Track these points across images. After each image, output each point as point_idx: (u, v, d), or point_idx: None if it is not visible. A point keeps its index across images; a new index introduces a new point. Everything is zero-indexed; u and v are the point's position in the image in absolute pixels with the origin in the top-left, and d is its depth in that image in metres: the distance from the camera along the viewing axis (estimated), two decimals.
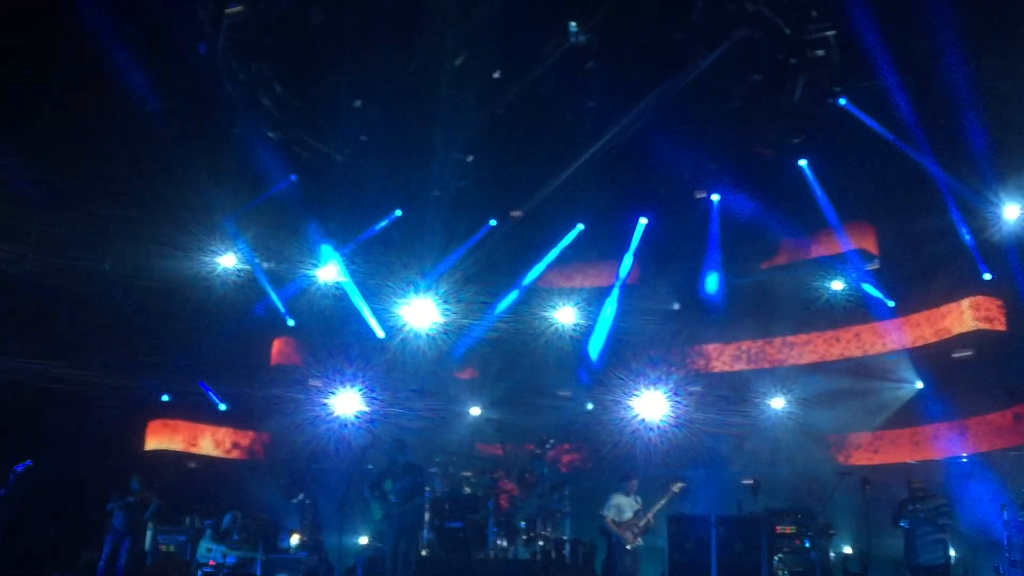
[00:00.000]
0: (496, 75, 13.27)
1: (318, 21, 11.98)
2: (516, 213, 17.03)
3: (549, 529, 13.55)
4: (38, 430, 13.96)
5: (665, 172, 14.96)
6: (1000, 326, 15.14)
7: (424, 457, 14.78)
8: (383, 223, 16.86)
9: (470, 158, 14.97)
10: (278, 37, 12.38)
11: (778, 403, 16.28)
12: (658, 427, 15.43)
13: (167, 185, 14.12)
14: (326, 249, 16.46)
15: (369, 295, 17.16)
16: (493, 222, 17.12)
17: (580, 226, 17.23)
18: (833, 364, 16.67)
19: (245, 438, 18.14)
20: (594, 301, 17.50)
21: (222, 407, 17.55)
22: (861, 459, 16.15)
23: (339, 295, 16.93)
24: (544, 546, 13.22)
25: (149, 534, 13.67)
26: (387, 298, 17.10)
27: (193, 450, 17.61)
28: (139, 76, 12.63)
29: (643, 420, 15.58)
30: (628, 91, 13.27)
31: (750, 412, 16.08)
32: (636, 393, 15.75)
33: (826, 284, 16.23)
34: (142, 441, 17.12)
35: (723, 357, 17.74)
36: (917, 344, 15.95)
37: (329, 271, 16.73)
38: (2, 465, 11.74)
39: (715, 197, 16.20)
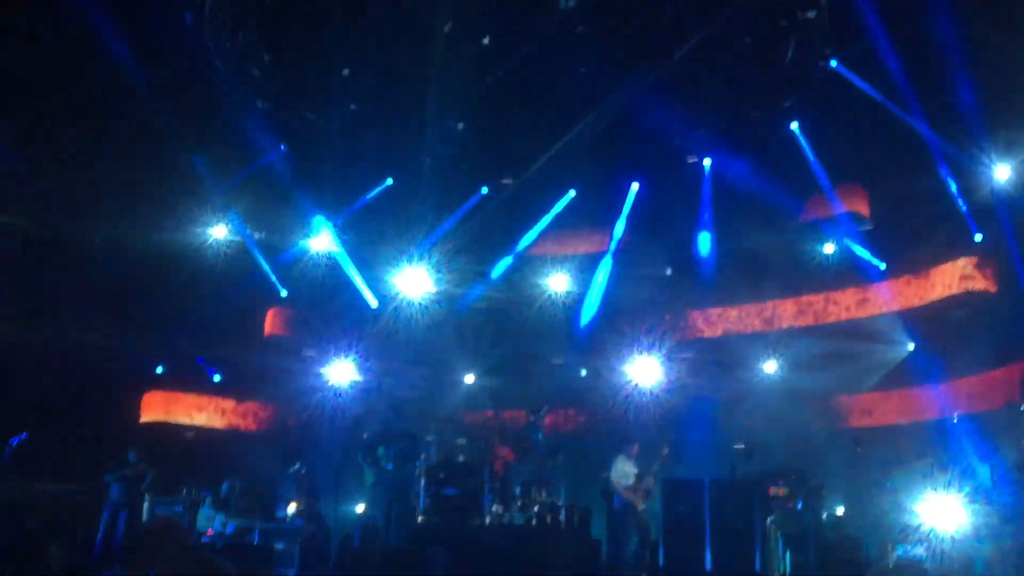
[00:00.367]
0: (486, 41, 13.18)
1: None
2: (507, 181, 17.01)
3: (544, 494, 13.63)
4: (31, 402, 13.97)
5: (657, 137, 14.91)
6: (991, 286, 15.20)
7: (419, 425, 14.86)
8: (374, 192, 16.82)
9: (460, 126, 14.90)
10: (265, 5, 12.27)
11: (770, 367, 16.36)
12: (651, 392, 15.51)
13: (157, 156, 14.05)
14: (318, 219, 16.43)
15: (362, 265, 17.15)
16: (485, 190, 17.09)
17: (572, 192, 17.20)
18: (825, 327, 16.73)
19: (240, 409, 18.18)
20: (586, 267, 17.50)
21: (216, 378, 17.57)
22: (853, 421, 16.27)
23: (331, 265, 16.91)
24: (539, 511, 13.31)
25: (146, 505, 13.73)
26: (380, 267, 17.09)
27: (188, 421, 17.64)
28: (126, 46, 12.51)
29: (636, 386, 15.66)
30: (619, 56, 13.19)
31: (742, 376, 16.15)
32: (629, 359, 15.81)
33: (818, 247, 16.26)
34: (137, 413, 17.13)
35: (715, 322, 17.79)
36: (908, 306, 16.02)
37: (321, 241, 16.71)
38: None
39: (707, 162, 16.19)
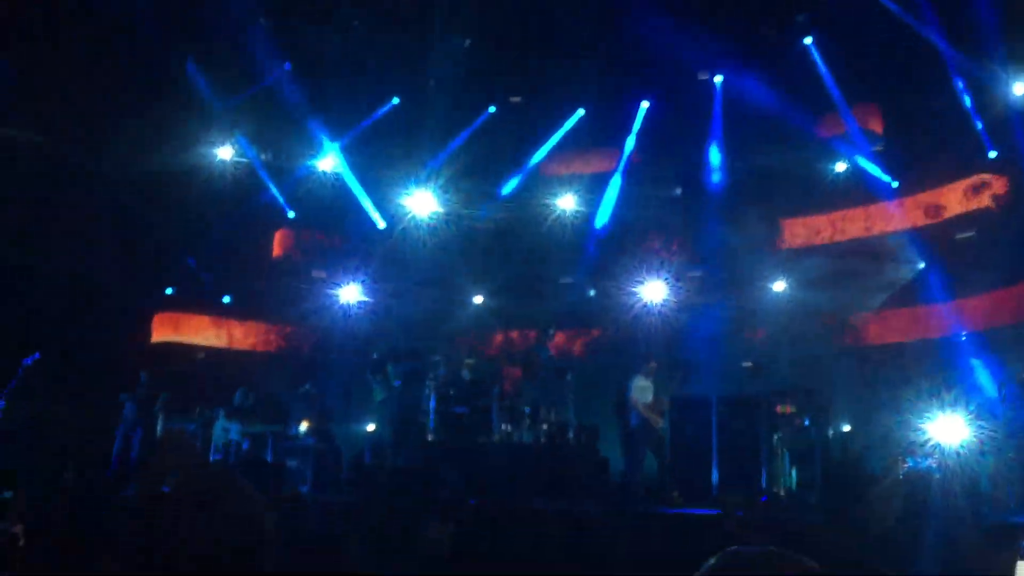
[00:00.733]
0: None
1: None
2: (516, 99, 16.79)
3: (552, 414, 13.75)
4: (44, 324, 14.07)
5: (667, 54, 14.64)
6: (1003, 204, 15.04)
7: (427, 345, 14.94)
8: (381, 112, 16.64)
9: (467, 42, 14.64)
10: None
11: (779, 285, 16.32)
12: (660, 311, 15.52)
13: (159, 76, 13.88)
14: (324, 140, 16.29)
15: (369, 185, 17.05)
16: (492, 109, 16.89)
17: (581, 111, 16.97)
18: (835, 245, 16.62)
19: (250, 329, 18.28)
20: (595, 187, 17.36)
21: (226, 299, 17.64)
22: (861, 339, 16.28)
23: (338, 186, 16.83)
24: (548, 430, 13.44)
25: (160, 424, 13.93)
26: (387, 188, 17.01)
27: (199, 342, 17.77)
28: None
29: (645, 305, 15.67)
30: None
31: (751, 295, 16.12)
32: (638, 279, 15.79)
33: (829, 165, 16.07)
34: (148, 334, 17.26)
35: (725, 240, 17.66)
36: (919, 224, 15.89)
37: (328, 162, 16.60)
38: (10, 360, 11.88)
39: (718, 79, 15.91)
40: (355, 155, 16.80)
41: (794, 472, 12.33)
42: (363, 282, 16.63)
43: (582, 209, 17.18)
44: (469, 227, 17.08)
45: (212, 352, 17.63)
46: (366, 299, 16.59)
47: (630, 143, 17.13)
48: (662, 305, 15.63)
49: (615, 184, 17.30)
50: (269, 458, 13.49)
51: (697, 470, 12.42)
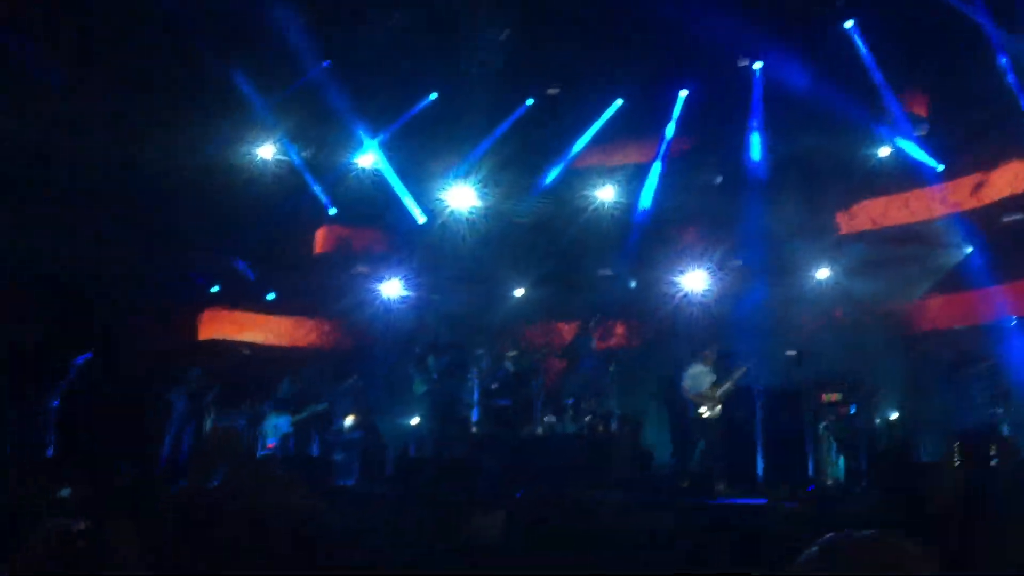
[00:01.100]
0: None
1: None
2: (553, 91, 16.77)
3: (596, 404, 13.77)
4: (93, 322, 14.35)
5: (705, 41, 14.52)
6: None
7: (470, 338, 15.02)
8: (419, 107, 16.72)
9: (505, 35, 14.65)
10: None
11: (823, 273, 16.14)
12: (701, 301, 15.46)
13: (198, 75, 14.05)
14: (363, 136, 16.41)
15: (408, 181, 17.15)
16: (530, 101, 16.88)
17: (619, 101, 16.89)
18: (879, 231, 16.39)
19: (294, 325, 18.49)
20: (635, 178, 17.28)
21: (270, 296, 17.86)
22: (907, 326, 16.05)
23: (378, 181, 16.95)
24: (591, 420, 13.46)
25: (209, 419, 14.16)
26: (426, 183, 17.10)
27: (245, 338, 18.02)
28: None
29: (686, 295, 15.60)
30: None
31: (794, 283, 15.96)
32: (679, 268, 15.73)
33: (873, 150, 15.84)
34: (196, 331, 17.54)
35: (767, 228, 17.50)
36: (965, 208, 15.62)
37: (368, 158, 16.73)
38: (61, 358, 12.14)
39: (758, 65, 15.76)
40: (394, 151, 16.90)
41: (841, 461, 12.23)
42: (405, 277, 16.75)
43: (622, 200, 17.11)
44: (509, 221, 17.11)
45: (258, 348, 17.87)
46: (408, 293, 16.72)
47: (669, 132, 17.02)
48: (704, 295, 15.56)
49: (655, 174, 17.20)
50: (315, 453, 13.68)
51: (742, 460, 12.38)
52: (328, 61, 15.39)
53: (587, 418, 13.45)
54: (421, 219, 17.20)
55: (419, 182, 17.16)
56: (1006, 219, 15.09)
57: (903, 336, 15.07)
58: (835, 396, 12.61)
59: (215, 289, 17.42)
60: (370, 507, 9.02)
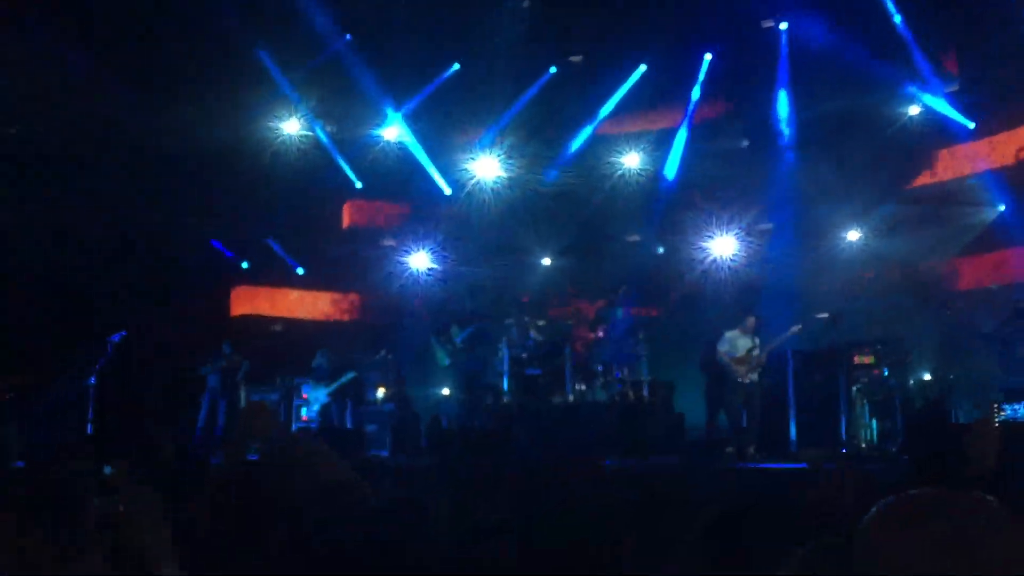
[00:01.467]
0: None
1: None
2: (576, 58, 16.64)
3: (626, 371, 13.77)
4: (127, 300, 14.53)
5: (729, 3, 14.34)
6: None
7: (498, 309, 15.05)
8: (442, 78, 16.66)
9: (526, 2, 14.54)
10: None
11: (853, 235, 15.97)
12: (730, 266, 15.38)
13: (221, 50, 14.09)
14: (387, 109, 16.39)
15: (433, 152, 17.13)
16: (553, 69, 16.76)
17: (643, 67, 16.73)
18: (910, 191, 16.19)
19: (325, 299, 18.63)
20: (661, 144, 17.14)
21: (300, 271, 17.98)
22: (941, 286, 15.87)
23: (403, 154, 16.94)
24: (623, 388, 13.48)
25: (242, 394, 14.34)
26: (451, 154, 17.08)
27: (277, 313, 18.19)
28: None
29: (715, 260, 15.53)
30: None
31: (825, 245, 15.82)
32: (708, 233, 15.64)
33: (902, 109, 15.60)
34: (228, 307, 17.72)
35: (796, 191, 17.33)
36: (998, 165, 15.37)
37: (392, 131, 16.71)
38: (98, 336, 12.31)
39: (783, 26, 15.53)
40: (419, 123, 16.86)
41: (874, 423, 12.17)
42: (432, 249, 16.79)
43: (647, 167, 16.98)
44: (534, 190, 17.05)
45: (289, 323, 18.03)
46: (435, 266, 16.77)
47: (694, 97, 16.84)
48: (733, 259, 15.47)
49: (680, 139, 17.05)
50: (348, 424, 13.83)
51: (775, 424, 12.36)
52: (350, 35, 15.35)
53: (618, 385, 13.47)
54: (447, 191, 17.19)
55: (444, 154, 17.13)
56: None
57: (936, 296, 14.90)
58: (868, 358, 12.52)
59: (245, 265, 17.57)
60: (405, 477, 9.12)
